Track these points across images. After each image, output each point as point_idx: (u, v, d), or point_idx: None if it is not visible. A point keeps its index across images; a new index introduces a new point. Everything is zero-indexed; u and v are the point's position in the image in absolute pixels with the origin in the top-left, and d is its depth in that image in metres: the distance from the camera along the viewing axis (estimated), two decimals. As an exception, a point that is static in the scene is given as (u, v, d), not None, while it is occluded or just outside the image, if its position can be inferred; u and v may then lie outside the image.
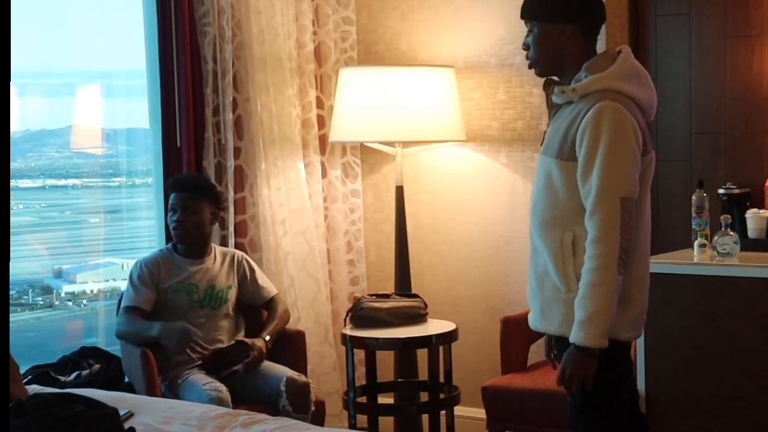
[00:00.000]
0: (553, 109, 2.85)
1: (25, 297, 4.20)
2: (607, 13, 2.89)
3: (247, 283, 3.96)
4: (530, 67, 2.89)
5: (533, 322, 2.89)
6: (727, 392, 3.63)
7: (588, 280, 2.62)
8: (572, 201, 2.73)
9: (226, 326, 3.87)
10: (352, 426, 4.12)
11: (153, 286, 3.78)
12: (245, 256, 4.03)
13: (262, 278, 4.00)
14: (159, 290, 3.79)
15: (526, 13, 2.86)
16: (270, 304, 3.97)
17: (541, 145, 2.87)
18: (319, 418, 3.73)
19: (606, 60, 2.78)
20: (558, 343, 2.86)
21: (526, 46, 2.87)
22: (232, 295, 3.91)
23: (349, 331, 4.08)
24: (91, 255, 4.41)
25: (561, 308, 2.76)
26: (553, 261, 2.75)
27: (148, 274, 3.79)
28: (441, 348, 4.08)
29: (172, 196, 3.86)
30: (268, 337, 3.82)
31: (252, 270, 3.98)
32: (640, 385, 3.71)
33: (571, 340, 2.64)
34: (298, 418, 3.26)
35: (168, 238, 4.09)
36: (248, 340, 3.79)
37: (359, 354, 4.29)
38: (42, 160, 4.34)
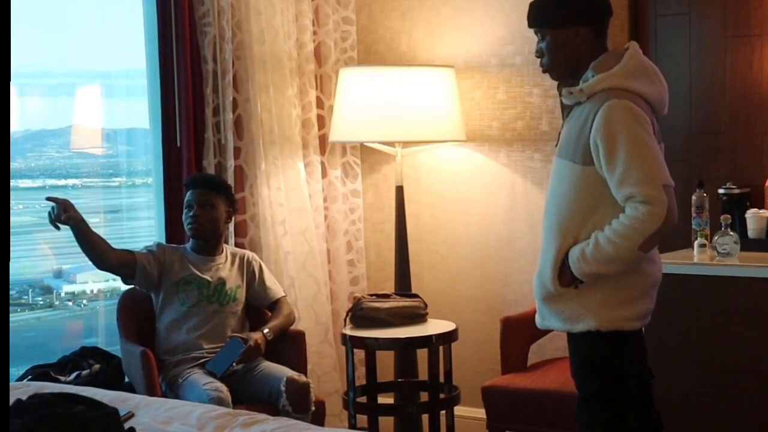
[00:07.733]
0: (565, 109, 2.84)
1: (25, 297, 4.20)
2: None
3: (254, 283, 3.95)
4: (545, 71, 2.86)
5: (537, 320, 2.90)
6: (726, 392, 3.62)
7: (615, 229, 2.65)
8: (580, 205, 2.73)
9: (234, 325, 3.86)
10: (352, 426, 4.12)
11: (156, 262, 3.80)
12: (255, 256, 4.03)
13: (270, 280, 4.00)
14: (163, 275, 3.80)
15: (536, 22, 2.82)
16: (275, 305, 3.96)
17: (556, 146, 2.86)
18: (319, 418, 3.73)
19: (613, 58, 2.76)
20: (568, 337, 2.88)
21: (539, 53, 2.83)
22: (241, 294, 3.91)
23: (349, 331, 4.08)
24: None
25: (558, 307, 2.78)
26: (550, 263, 2.77)
27: (159, 252, 3.83)
28: (441, 348, 4.07)
29: (188, 193, 3.87)
30: (266, 330, 3.80)
31: (260, 270, 3.97)
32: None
33: (570, 260, 2.71)
34: (298, 418, 3.26)
35: (168, 239, 4.09)
36: (243, 334, 3.79)
37: (359, 354, 4.29)
38: (42, 160, 4.34)
